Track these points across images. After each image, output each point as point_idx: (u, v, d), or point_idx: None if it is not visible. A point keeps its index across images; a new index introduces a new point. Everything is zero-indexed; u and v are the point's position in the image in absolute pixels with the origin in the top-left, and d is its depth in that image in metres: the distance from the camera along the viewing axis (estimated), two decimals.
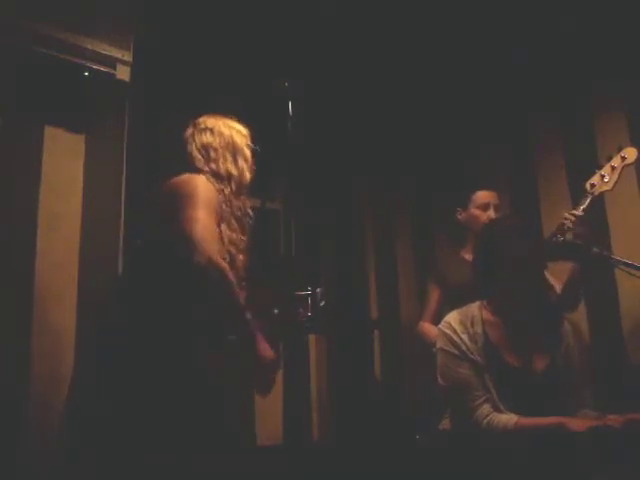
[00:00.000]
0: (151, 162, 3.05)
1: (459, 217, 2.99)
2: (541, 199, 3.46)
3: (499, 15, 3.20)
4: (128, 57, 2.90)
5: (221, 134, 2.19)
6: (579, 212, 2.32)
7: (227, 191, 2.10)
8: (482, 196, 2.92)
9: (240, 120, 2.29)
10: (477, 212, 2.89)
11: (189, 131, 2.22)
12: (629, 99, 3.10)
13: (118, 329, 2.00)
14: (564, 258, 2.29)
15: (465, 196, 2.97)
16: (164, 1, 3.08)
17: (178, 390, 1.86)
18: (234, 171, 2.14)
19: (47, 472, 2.40)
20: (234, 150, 2.18)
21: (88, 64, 2.80)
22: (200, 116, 2.26)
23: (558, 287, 2.54)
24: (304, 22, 3.27)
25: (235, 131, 2.22)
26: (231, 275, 1.91)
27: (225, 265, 1.91)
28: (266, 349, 1.96)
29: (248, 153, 2.22)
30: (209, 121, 2.23)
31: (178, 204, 1.92)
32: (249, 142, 2.25)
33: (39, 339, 2.55)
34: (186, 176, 2.03)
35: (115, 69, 2.86)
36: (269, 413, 3.58)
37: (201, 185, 1.98)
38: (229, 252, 2.01)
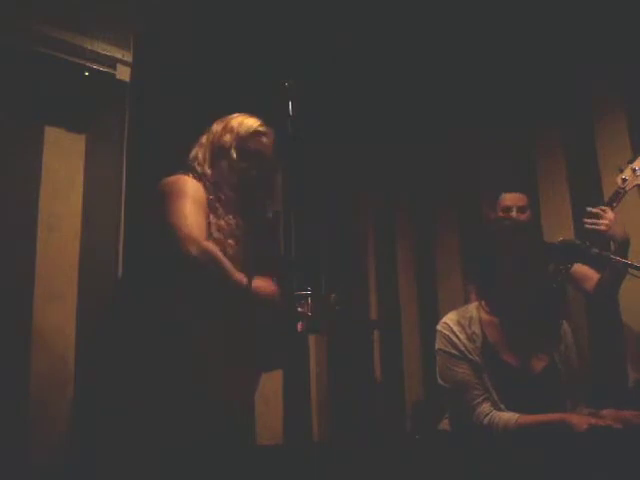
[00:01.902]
0: (151, 162, 3.05)
1: (491, 218, 3.01)
2: (541, 199, 3.46)
3: (499, 15, 3.20)
4: (128, 57, 2.91)
5: (211, 135, 2.16)
6: (611, 208, 2.28)
7: (209, 189, 2.06)
8: (505, 199, 2.93)
9: (253, 116, 2.18)
10: (501, 214, 2.91)
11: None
12: (629, 99, 3.10)
13: (119, 326, 2.01)
14: (563, 259, 2.28)
15: (494, 198, 2.99)
16: (164, 1, 3.08)
17: (178, 385, 1.87)
18: (208, 171, 2.09)
19: (47, 471, 2.40)
20: (219, 151, 2.12)
21: (88, 64, 2.80)
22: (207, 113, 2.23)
23: (595, 279, 2.54)
24: (304, 22, 3.27)
25: (229, 132, 2.14)
26: (222, 257, 1.93)
27: (216, 249, 1.93)
28: (265, 286, 2.00)
29: (234, 154, 2.11)
30: (216, 121, 2.20)
31: (166, 202, 1.94)
32: (244, 143, 2.13)
33: (39, 339, 2.55)
34: (174, 176, 2.05)
35: (115, 69, 2.87)
36: (269, 413, 3.58)
37: (188, 183, 2.00)
38: (217, 238, 2.01)
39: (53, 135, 2.77)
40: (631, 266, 2.08)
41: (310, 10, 3.19)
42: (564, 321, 2.08)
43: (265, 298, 2.00)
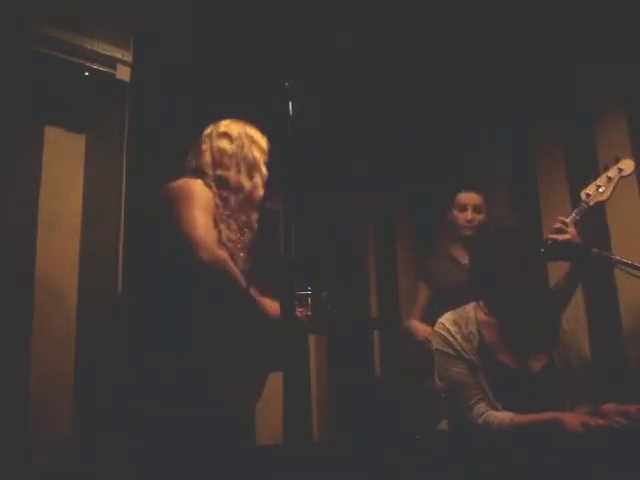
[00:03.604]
0: (151, 162, 3.05)
1: (448, 217, 3.09)
2: (541, 199, 3.46)
3: (500, 15, 3.20)
4: (128, 57, 2.91)
5: (240, 146, 2.15)
6: (569, 219, 2.27)
7: (232, 200, 2.08)
8: (461, 198, 3.03)
9: (261, 130, 2.24)
10: (456, 213, 3.02)
11: (208, 130, 2.19)
12: (629, 99, 3.10)
13: (119, 325, 2.01)
14: (563, 258, 2.28)
15: (451, 197, 3.07)
16: (164, 1, 3.07)
17: (178, 385, 1.87)
18: (246, 184, 2.12)
19: (47, 471, 2.40)
20: (252, 165, 2.15)
21: (88, 64, 2.80)
22: (223, 118, 2.22)
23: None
24: (305, 22, 3.27)
25: (255, 146, 2.19)
26: (233, 267, 1.93)
27: (225, 255, 1.93)
28: (272, 307, 2.00)
29: (265, 171, 2.19)
30: (230, 127, 2.18)
31: (175, 207, 1.93)
32: (266, 159, 2.21)
33: (39, 339, 2.54)
34: (182, 181, 2.04)
35: (115, 69, 2.87)
36: (269, 413, 3.58)
37: (196, 188, 1.99)
38: (228, 250, 2.01)
39: (53, 135, 2.77)
40: (631, 266, 2.08)
41: (310, 10, 3.19)
42: (563, 320, 2.07)
43: (272, 318, 2.00)
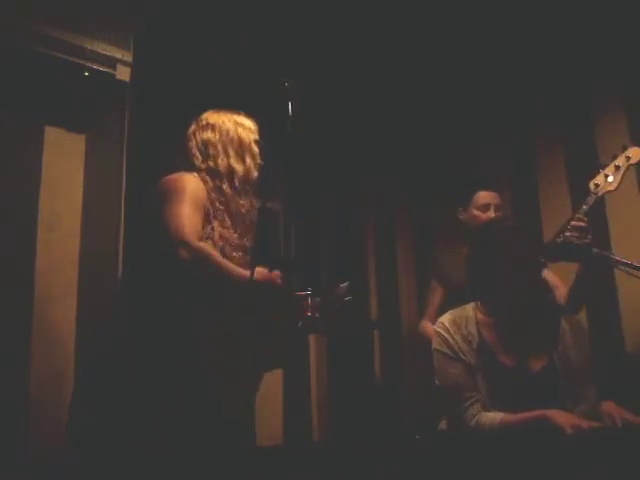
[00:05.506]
0: (151, 162, 3.05)
1: (460, 217, 2.99)
2: (541, 199, 3.46)
3: (499, 14, 3.20)
4: (128, 57, 2.91)
5: (224, 130, 2.15)
6: (583, 217, 2.24)
7: (226, 188, 2.07)
8: (482, 197, 2.91)
9: (247, 114, 2.24)
10: (477, 212, 2.89)
11: (191, 128, 2.20)
12: (629, 99, 3.10)
13: (121, 326, 2.01)
14: (565, 259, 2.27)
15: (466, 196, 2.97)
16: (164, 1, 3.07)
17: (178, 385, 1.87)
18: (238, 167, 2.10)
19: (47, 471, 2.40)
20: (240, 146, 2.14)
21: (88, 64, 2.81)
22: (203, 112, 2.24)
23: (562, 289, 2.51)
24: (305, 21, 3.27)
25: (241, 127, 2.18)
26: (218, 256, 1.91)
27: (210, 249, 1.91)
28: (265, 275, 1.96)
29: (256, 149, 2.18)
30: (211, 117, 2.19)
31: (163, 201, 1.93)
32: (257, 137, 2.20)
33: (39, 339, 2.54)
34: (175, 175, 2.04)
35: (115, 69, 2.87)
36: (269, 413, 3.58)
37: (188, 182, 1.99)
38: (222, 249, 1.99)
39: (53, 135, 2.77)
40: (631, 266, 2.08)
41: (310, 10, 3.19)
42: (563, 320, 2.07)
43: (266, 285, 1.97)
